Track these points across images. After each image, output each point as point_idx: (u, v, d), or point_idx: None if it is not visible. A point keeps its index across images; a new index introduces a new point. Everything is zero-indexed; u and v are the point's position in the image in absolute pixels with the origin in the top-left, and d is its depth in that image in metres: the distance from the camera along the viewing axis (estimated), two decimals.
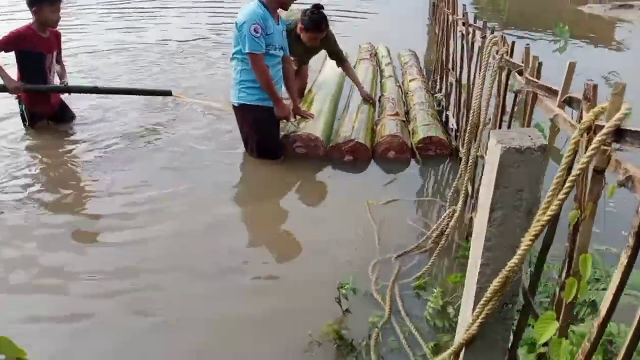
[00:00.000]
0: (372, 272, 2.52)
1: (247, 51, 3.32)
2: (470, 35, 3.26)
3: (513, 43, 2.14)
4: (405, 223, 3.01)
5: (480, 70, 2.51)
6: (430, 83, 5.33)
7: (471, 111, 2.63)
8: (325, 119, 4.11)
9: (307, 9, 3.95)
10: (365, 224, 2.95)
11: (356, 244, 2.78)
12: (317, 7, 3.91)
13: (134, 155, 3.77)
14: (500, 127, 2.47)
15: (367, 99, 4.40)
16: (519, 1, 12.42)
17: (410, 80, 5.12)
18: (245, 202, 3.31)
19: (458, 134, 3.80)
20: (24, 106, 3.94)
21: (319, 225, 2.99)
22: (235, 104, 3.55)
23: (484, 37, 2.77)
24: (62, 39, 4.16)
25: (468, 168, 2.51)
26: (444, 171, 3.75)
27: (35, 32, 3.74)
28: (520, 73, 1.88)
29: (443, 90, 4.67)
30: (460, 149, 3.58)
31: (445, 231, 2.73)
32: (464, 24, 3.52)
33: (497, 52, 2.40)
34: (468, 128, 2.66)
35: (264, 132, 3.60)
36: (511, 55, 2.13)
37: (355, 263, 2.59)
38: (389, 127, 3.93)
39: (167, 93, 4.47)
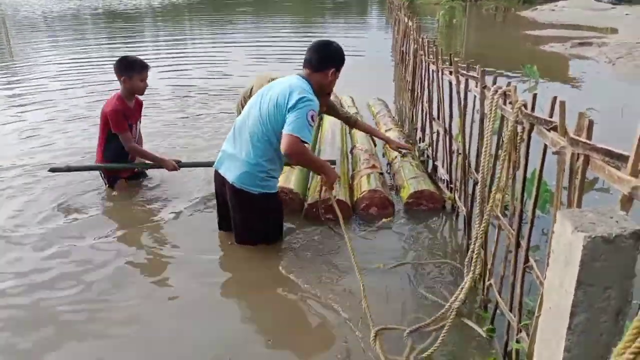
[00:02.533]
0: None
1: (298, 135, 2.70)
2: (462, 85, 3.06)
3: (534, 96, 1.91)
4: (406, 290, 2.72)
5: (488, 123, 2.27)
6: (407, 132, 5.14)
7: (480, 170, 2.40)
8: (297, 175, 3.81)
9: None
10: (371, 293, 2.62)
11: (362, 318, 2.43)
12: None
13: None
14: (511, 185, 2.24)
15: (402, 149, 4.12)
16: (476, 42, 12.78)
17: (386, 131, 4.90)
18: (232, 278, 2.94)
19: (452, 185, 3.57)
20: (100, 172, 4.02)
21: (315, 296, 2.64)
22: (255, 193, 2.92)
23: (484, 88, 2.56)
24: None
25: (480, 233, 2.23)
26: (439, 226, 3.48)
27: (126, 104, 3.78)
28: (555, 129, 1.64)
29: (427, 140, 4.47)
30: (459, 202, 3.35)
31: (464, 301, 2.42)
32: (451, 72, 3.33)
33: (507, 103, 2.19)
34: (479, 188, 2.41)
35: (280, 216, 3.20)
36: (532, 109, 1.89)
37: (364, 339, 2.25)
38: (366, 181, 3.69)
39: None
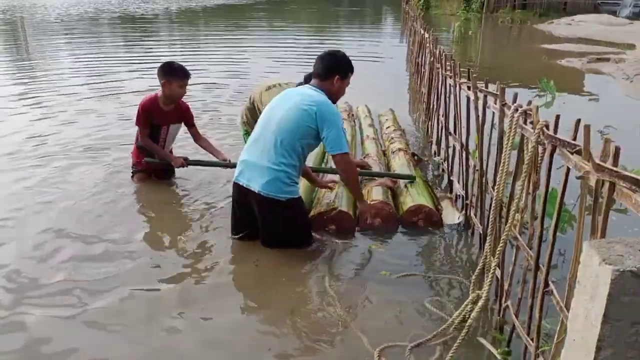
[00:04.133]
0: None
1: (343, 151, 2.98)
2: (480, 101, 3.04)
3: (557, 117, 1.88)
4: (413, 303, 2.68)
5: (507, 142, 2.25)
6: (421, 144, 5.10)
7: (495, 188, 2.38)
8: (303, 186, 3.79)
9: (301, 82, 3.79)
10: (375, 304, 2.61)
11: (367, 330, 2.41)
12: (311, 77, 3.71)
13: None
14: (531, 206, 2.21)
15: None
16: (491, 55, 12.73)
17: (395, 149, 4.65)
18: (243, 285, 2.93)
19: (467, 201, 3.54)
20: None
21: (326, 307, 2.62)
22: (282, 199, 2.95)
23: (504, 105, 2.54)
24: None
25: (497, 253, 2.20)
26: (453, 242, 3.44)
27: (158, 105, 3.93)
28: (579, 153, 1.61)
29: (442, 154, 4.45)
30: (474, 219, 3.32)
31: (467, 318, 2.40)
32: (469, 88, 3.32)
33: (528, 123, 2.17)
34: (492, 206, 2.39)
35: (308, 220, 3.27)
36: (555, 131, 1.87)
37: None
38: (374, 193, 3.65)
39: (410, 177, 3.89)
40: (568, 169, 1.75)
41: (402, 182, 3.87)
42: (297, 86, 3.69)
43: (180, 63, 4.01)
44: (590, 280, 1.07)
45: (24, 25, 18.38)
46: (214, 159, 4.06)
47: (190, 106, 4.20)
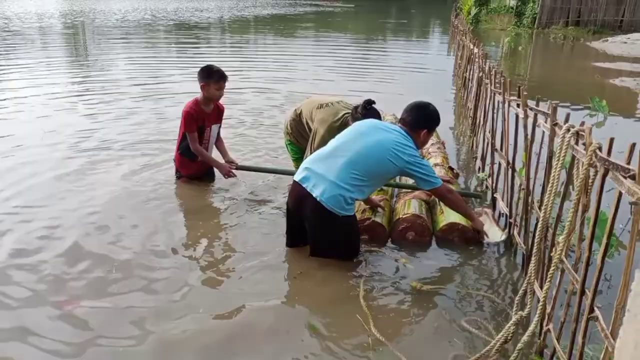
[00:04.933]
0: None
1: (436, 186, 3.10)
2: (530, 119, 3.00)
3: (611, 140, 1.84)
4: (450, 322, 2.65)
5: (557, 162, 2.21)
6: (463, 160, 5.04)
7: (542, 209, 2.33)
8: None
9: (359, 105, 3.77)
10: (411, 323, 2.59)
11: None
12: (370, 103, 3.74)
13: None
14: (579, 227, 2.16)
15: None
16: (541, 71, 12.45)
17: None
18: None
19: (511, 220, 3.48)
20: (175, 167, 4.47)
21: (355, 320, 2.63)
22: (339, 215, 2.97)
23: (555, 125, 2.50)
24: None
25: (549, 275, 2.15)
26: (494, 261, 3.38)
27: (200, 107, 4.13)
28: (633, 178, 1.58)
29: (487, 170, 4.39)
30: (518, 238, 3.26)
31: (509, 340, 2.35)
32: (518, 105, 3.27)
33: (580, 144, 2.13)
34: (539, 227, 2.35)
35: (358, 235, 3.31)
36: (608, 153, 1.83)
37: None
38: (412, 206, 3.64)
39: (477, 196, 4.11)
40: (620, 193, 1.71)
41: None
42: (356, 109, 3.77)
43: (219, 66, 4.16)
44: None
45: (84, 29, 19.23)
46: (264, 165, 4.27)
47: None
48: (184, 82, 8.67)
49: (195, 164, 4.29)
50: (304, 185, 3.04)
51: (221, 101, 4.31)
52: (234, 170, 4.26)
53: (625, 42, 16.13)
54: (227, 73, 4.14)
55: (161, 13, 26.82)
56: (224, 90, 4.17)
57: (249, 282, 2.98)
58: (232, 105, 7.38)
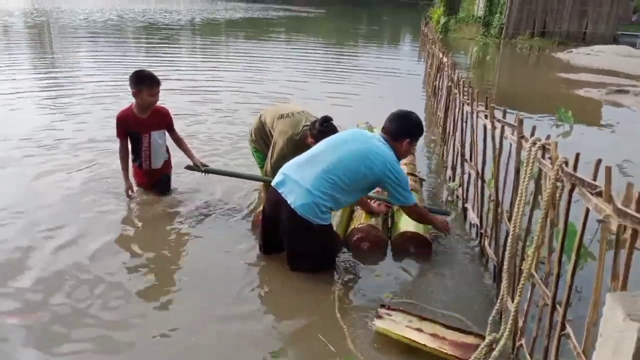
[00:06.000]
0: None
1: (410, 204, 3.11)
2: (497, 131, 3.01)
3: (577, 156, 1.85)
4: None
5: (524, 176, 2.21)
6: (433, 167, 5.05)
7: (512, 224, 2.32)
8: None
9: (316, 121, 3.75)
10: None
11: None
12: (327, 120, 3.73)
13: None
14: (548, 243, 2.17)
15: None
16: (508, 81, 12.72)
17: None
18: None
19: (482, 231, 3.49)
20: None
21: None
22: (314, 223, 2.92)
23: (522, 138, 2.51)
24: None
25: (518, 290, 2.15)
26: (465, 271, 3.37)
27: (133, 114, 3.94)
28: (600, 195, 1.58)
29: (457, 180, 4.41)
30: (488, 249, 3.26)
31: None
32: (486, 116, 3.29)
33: (546, 157, 2.14)
34: (509, 242, 2.34)
35: (335, 245, 3.29)
36: (575, 168, 1.84)
37: None
38: (365, 216, 3.60)
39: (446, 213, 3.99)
40: (587, 209, 1.71)
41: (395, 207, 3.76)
42: (314, 124, 3.74)
43: (150, 71, 3.96)
44: (613, 335, 1.03)
45: (49, 28, 18.70)
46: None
47: (169, 110, 4.16)
48: None
49: (141, 171, 4.12)
50: (279, 190, 2.99)
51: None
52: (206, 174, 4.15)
53: (589, 54, 16.61)
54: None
55: (128, 14, 26.31)
56: (159, 95, 3.95)
57: (216, 301, 2.85)
58: (204, 103, 7.50)
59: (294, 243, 3.08)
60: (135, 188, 4.12)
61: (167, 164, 4.23)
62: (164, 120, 4.10)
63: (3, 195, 3.99)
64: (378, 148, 3.02)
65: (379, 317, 2.61)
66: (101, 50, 13.72)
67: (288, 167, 3.09)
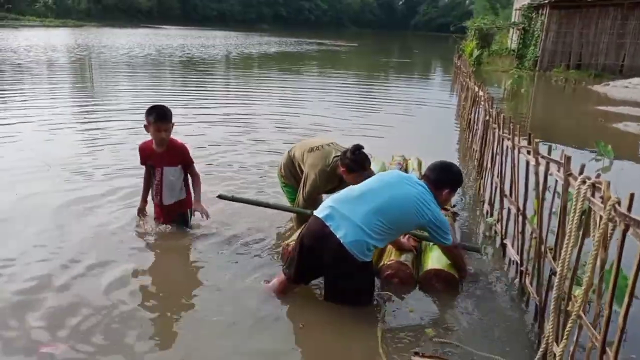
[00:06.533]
0: None
1: (448, 244, 3.23)
2: (541, 167, 2.96)
3: (632, 196, 1.80)
4: None
5: (573, 215, 2.16)
6: (469, 202, 4.97)
7: (559, 264, 2.26)
8: None
9: (347, 150, 3.75)
10: None
11: None
12: (358, 148, 3.73)
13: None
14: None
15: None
16: (543, 114, 12.52)
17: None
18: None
19: (522, 268, 3.40)
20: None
21: None
22: (359, 260, 2.92)
23: (569, 175, 2.46)
24: None
25: (566, 333, 2.07)
26: (504, 309, 3.27)
27: (151, 147, 3.97)
28: None
29: (496, 215, 4.33)
30: (530, 288, 3.17)
31: None
32: (529, 152, 3.24)
33: (597, 196, 2.08)
34: (556, 282, 2.27)
35: (374, 283, 3.25)
36: (629, 209, 1.78)
37: None
38: (394, 253, 3.57)
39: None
40: None
41: (424, 242, 3.75)
42: (345, 153, 3.75)
43: (163, 106, 3.90)
44: None
45: (90, 62, 19.51)
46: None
47: (187, 148, 4.07)
48: (187, 114, 8.86)
49: (157, 205, 4.12)
50: (327, 224, 2.96)
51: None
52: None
53: (627, 87, 16.29)
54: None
55: (166, 49, 27.22)
56: (170, 132, 3.87)
57: (243, 335, 2.82)
58: (241, 134, 7.59)
59: (337, 277, 3.05)
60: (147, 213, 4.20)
61: (183, 203, 4.11)
62: (178, 156, 3.98)
63: (31, 219, 4.18)
64: (425, 195, 3.11)
65: None
66: (139, 83, 14.24)
67: (335, 200, 3.08)
